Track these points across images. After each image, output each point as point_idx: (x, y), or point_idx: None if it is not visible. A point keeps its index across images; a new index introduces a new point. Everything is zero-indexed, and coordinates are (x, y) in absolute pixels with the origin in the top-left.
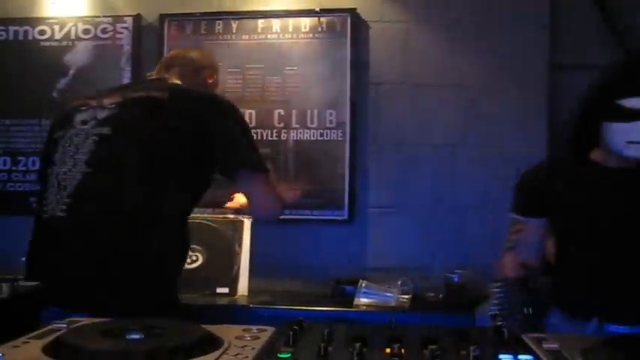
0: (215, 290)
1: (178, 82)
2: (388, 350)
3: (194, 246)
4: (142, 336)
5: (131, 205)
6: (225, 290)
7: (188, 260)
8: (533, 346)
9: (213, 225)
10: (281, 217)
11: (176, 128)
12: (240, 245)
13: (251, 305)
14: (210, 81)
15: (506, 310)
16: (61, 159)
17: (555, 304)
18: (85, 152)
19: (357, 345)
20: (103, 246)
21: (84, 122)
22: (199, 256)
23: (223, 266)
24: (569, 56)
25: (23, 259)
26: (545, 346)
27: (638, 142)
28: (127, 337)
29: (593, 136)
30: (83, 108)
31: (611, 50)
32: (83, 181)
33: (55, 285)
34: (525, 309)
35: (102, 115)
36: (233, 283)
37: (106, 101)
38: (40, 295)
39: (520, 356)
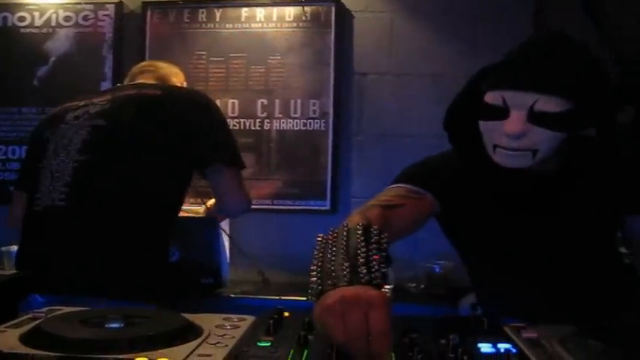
0: (200, 281)
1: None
2: None
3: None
4: (122, 325)
5: (128, 191)
6: (210, 281)
7: None
8: (512, 335)
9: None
10: (265, 207)
11: (166, 123)
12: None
13: (232, 295)
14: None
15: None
16: (54, 151)
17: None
18: (78, 142)
19: None
20: (103, 232)
21: (76, 118)
22: (175, 251)
23: (204, 257)
24: None
25: (3, 248)
26: (524, 334)
27: (509, 149)
28: (107, 325)
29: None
30: (73, 108)
31: (596, 42)
32: (79, 170)
33: (52, 272)
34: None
35: (94, 109)
36: (217, 274)
37: (96, 100)
38: (20, 284)
39: (499, 344)
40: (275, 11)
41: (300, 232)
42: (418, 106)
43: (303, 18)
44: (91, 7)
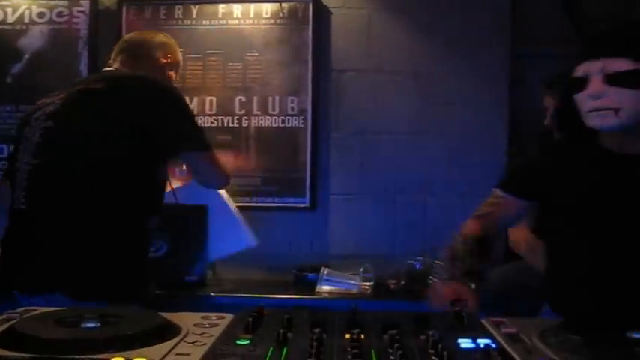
0: (183, 279)
1: (125, 68)
2: (348, 336)
3: (158, 233)
4: (98, 324)
5: (82, 193)
6: (194, 278)
7: (152, 248)
8: (492, 330)
9: (177, 211)
10: (243, 204)
11: (114, 117)
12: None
13: (213, 293)
14: (164, 60)
15: (457, 264)
16: (21, 155)
17: (548, 304)
18: (33, 145)
19: (317, 330)
20: (60, 236)
21: (36, 119)
22: (163, 243)
23: (191, 254)
24: (530, 46)
25: None
26: (503, 329)
27: (593, 110)
28: (82, 325)
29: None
30: (41, 106)
31: (571, 40)
32: (32, 174)
33: (23, 272)
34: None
35: (49, 109)
36: (202, 271)
37: (57, 97)
38: None
39: (479, 340)
40: (252, 7)
41: (280, 230)
42: (396, 103)
43: (281, 14)
44: (65, 3)
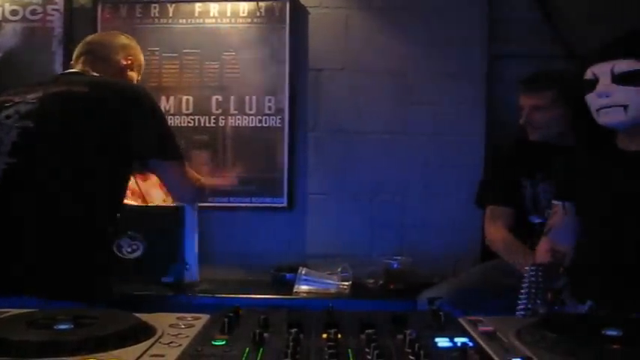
0: (159, 280)
1: (93, 71)
2: (325, 336)
3: (134, 234)
4: (72, 326)
5: (59, 194)
6: (171, 279)
7: (129, 249)
8: (469, 329)
9: (153, 211)
10: (221, 204)
11: (95, 121)
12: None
13: (190, 294)
14: (125, 62)
15: (531, 296)
16: None
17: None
18: (8, 144)
19: (293, 331)
20: (32, 235)
21: (7, 117)
22: (140, 244)
23: (167, 254)
24: (507, 46)
25: None
26: (480, 328)
27: (602, 108)
28: (55, 327)
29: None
30: (7, 104)
31: (546, 39)
32: (8, 172)
33: None
34: (549, 294)
35: (24, 109)
36: (179, 272)
37: (29, 97)
38: None
39: (456, 338)
40: (229, 7)
41: (257, 229)
42: (374, 102)
43: (258, 13)
44: (39, 0)
